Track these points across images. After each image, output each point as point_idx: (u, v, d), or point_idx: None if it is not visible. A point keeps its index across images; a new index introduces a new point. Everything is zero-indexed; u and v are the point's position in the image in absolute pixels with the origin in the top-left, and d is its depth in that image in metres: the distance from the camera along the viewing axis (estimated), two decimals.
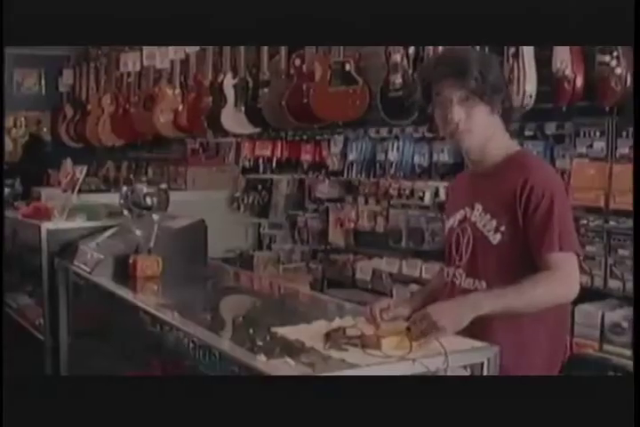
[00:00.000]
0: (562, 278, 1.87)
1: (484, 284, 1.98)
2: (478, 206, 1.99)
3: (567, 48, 2.83)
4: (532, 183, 1.89)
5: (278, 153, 4.79)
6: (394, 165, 3.87)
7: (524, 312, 1.88)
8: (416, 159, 3.77)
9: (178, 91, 5.53)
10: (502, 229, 1.93)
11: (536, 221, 1.88)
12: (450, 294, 2.05)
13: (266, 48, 4.57)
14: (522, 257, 1.91)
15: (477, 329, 1.80)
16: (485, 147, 2.00)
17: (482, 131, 1.96)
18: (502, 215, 1.93)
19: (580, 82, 2.85)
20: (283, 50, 4.41)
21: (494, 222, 1.95)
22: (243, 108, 4.73)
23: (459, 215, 2.07)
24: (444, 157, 3.61)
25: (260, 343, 1.90)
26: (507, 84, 2.04)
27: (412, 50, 3.61)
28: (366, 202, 4.24)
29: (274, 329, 1.98)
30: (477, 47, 2.51)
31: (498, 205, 1.95)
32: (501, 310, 1.82)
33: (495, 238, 1.94)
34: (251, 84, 4.70)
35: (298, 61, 4.29)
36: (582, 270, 1.98)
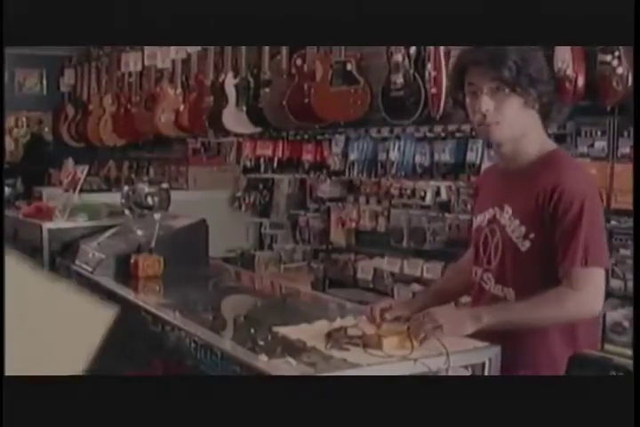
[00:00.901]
0: (580, 297, 1.77)
1: (511, 291, 1.90)
2: (508, 209, 1.89)
3: (568, 48, 2.83)
4: (563, 188, 1.77)
5: (279, 153, 4.79)
6: (395, 164, 3.87)
7: (536, 326, 1.83)
8: (417, 159, 3.77)
9: (179, 90, 5.54)
10: (532, 236, 1.83)
11: (562, 230, 1.77)
12: (478, 297, 2.01)
13: (267, 48, 4.58)
14: (552, 266, 1.81)
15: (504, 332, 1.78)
16: (519, 142, 1.88)
17: (512, 124, 1.83)
18: (532, 222, 1.83)
19: (581, 81, 2.85)
20: (284, 50, 4.42)
21: (523, 229, 1.84)
22: (244, 108, 4.74)
23: (488, 214, 1.97)
24: (446, 156, 3.61)
25: (261, 343, 1.90)
26: (550, 80, 1.88)
27: (413, 50, 3.61)
28: (367, 202, 4.24)
29: (275, 329, 1.98)
30: None
31: (527, 210, 1.84)
32: (505, 325, 1.78)
33: (524, 245, 1.84)
34: (252, 84, 4.71)
35: (299, 61, 4.29)
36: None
